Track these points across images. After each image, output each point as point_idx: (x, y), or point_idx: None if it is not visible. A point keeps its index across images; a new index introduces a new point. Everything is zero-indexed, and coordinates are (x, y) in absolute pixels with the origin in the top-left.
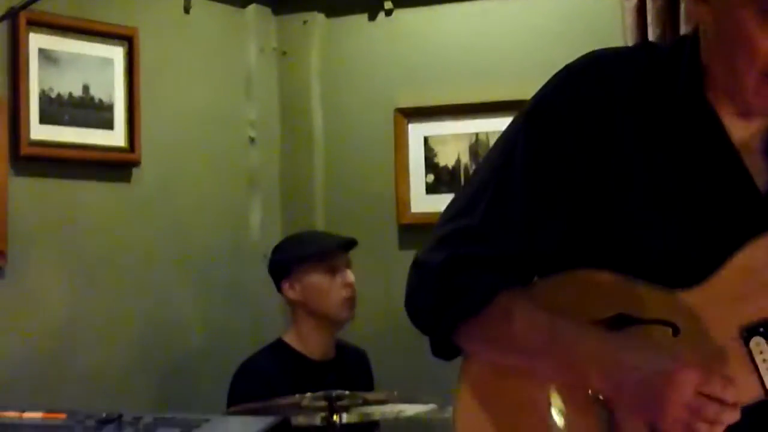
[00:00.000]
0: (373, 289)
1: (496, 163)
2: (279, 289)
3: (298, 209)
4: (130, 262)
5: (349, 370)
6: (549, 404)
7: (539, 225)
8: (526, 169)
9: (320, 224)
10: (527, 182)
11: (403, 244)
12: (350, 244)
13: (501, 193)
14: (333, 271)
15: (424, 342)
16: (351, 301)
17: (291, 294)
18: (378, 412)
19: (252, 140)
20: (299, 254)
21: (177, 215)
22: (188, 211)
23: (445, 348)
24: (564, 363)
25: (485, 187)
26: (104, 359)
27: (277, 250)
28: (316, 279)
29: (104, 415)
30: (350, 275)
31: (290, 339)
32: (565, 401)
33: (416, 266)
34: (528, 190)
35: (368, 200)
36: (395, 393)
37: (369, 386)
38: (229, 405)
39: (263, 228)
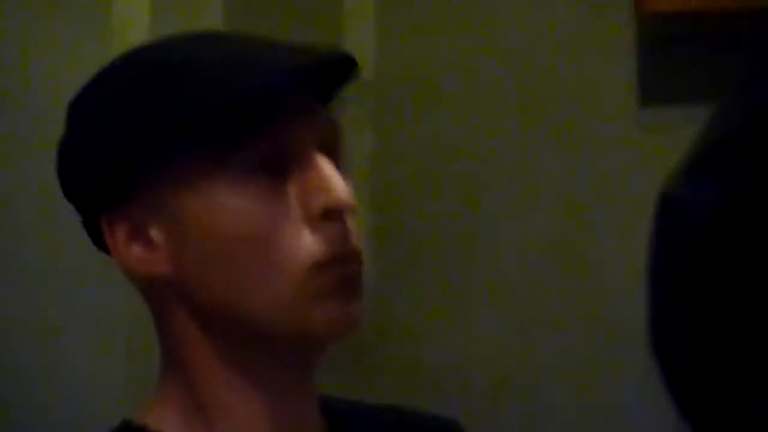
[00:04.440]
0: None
1: None
2: (94, 237)
3: None
4: None
5: None
6: None
7: None
8: None
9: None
10: None
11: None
12: (338, 75)
13: None
14: (279, 169)
15: None
16: (340, 276)
17: (130, 260)
18: None
19: None
20: (155, 109)
21: None
22: None
23: None
24: None
25: None
26: None
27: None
28: (221, 199)
29: None
30: (335, 183)
31: (160, 416)
32: None
33: (668, 214)
34: None
35: None
36: None
37: None
38: None
39: None
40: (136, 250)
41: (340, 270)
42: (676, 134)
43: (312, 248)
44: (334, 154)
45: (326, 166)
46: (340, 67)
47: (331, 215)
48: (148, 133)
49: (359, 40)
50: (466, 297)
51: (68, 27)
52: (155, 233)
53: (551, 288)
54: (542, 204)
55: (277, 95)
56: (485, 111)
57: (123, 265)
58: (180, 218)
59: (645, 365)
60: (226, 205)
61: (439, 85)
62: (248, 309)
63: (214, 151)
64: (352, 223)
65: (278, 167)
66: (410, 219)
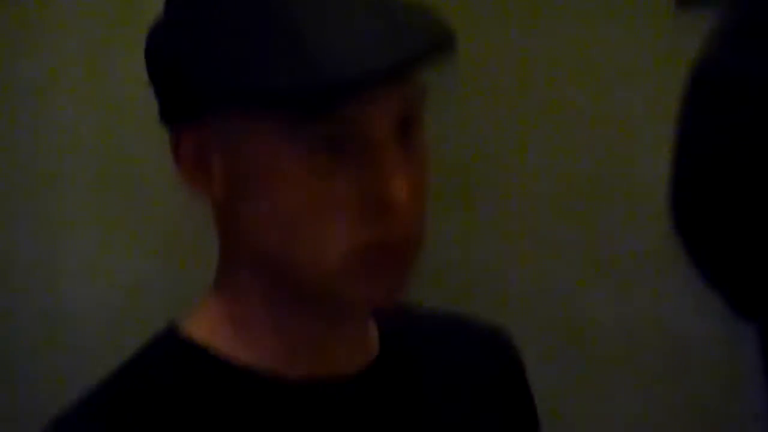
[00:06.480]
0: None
1: None
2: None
3: None
4: None
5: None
6: None
7: None
8: None
9: None
10: None
11: None
12: (418, 57)
13: None
14: (345, 148)
15: None
16: (380, 263)
17: (187, 177)
18: None
19: None
20: (231, 77)
21: None
22: None
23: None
24: None
25: None
26: None
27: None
28: (281, 165)
29: None
30: (392, 184)
31: (206, 328)
32: None
33: (703, 88)
34: None
35: None
36: None
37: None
38: None
39: None
40: (195, 170)
41: (382, 257)
42: None
43: (355, 233)
44: (410, 125)
45: (388, 161)
46: (441, 49)
47: (382, 208)
48: (234, 77)
49: None
50: None
51: None
52: (216, 164)
53: None
54: None
55: (367, 88)
56: None
57: (181, 177)
58: (242, 165)
59: None
60: (285, 172)
61: None
62: (286, 265)
63: (286, 120)
64: (406, 209)
65: (345, 146)
66: None
